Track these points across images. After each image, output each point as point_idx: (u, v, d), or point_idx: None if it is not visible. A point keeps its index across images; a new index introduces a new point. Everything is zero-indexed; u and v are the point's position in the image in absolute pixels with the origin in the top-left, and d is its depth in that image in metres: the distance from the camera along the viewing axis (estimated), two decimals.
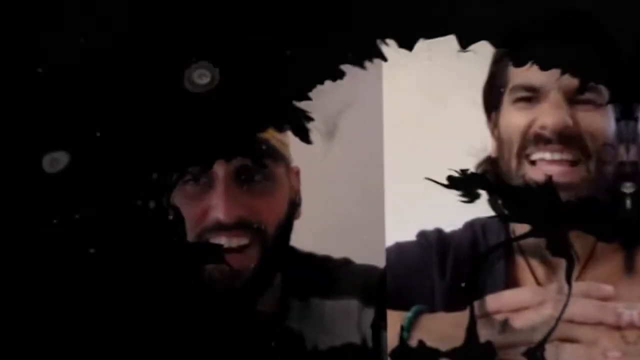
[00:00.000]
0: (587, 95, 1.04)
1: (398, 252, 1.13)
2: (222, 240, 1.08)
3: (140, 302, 1.05)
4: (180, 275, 1.06)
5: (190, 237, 1.09)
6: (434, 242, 1.14)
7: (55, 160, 1.05)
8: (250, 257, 1.09)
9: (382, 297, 1.09)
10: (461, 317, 1.04)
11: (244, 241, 1.09)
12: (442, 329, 1.04)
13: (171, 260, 1.05)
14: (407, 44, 1.06)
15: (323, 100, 1.09)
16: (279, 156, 1.11)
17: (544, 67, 1.03)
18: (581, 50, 1.01)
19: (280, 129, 1.10)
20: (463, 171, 1.06)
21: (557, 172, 1.04)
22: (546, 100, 1.05)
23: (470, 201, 1.06)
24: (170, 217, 1.08)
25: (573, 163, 1.05)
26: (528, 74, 1.06)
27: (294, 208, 1.12)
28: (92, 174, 1.06)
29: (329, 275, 1.12)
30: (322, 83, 1.08)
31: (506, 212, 1.03)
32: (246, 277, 1.09)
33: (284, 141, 1.12)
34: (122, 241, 1.06)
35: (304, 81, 1.07)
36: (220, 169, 1.08)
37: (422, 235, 1.14)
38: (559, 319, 0.99)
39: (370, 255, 1.10)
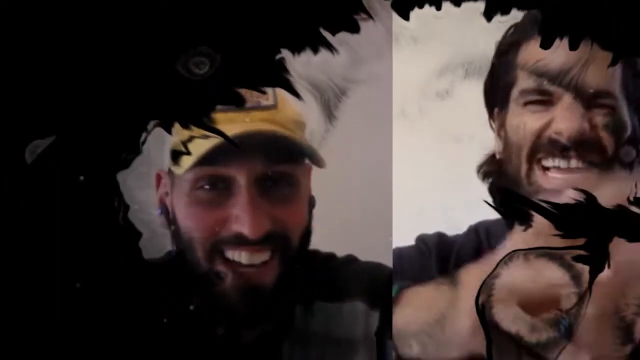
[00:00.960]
0: (603, 101, 0.99)
1: (396, 258, 1.05)
2: (243, 256, 1.00)
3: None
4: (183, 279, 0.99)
5: (201, 247, 1.00)
6: (433, 247, 1.07)
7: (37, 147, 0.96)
8: (271, 272, 1.01)
9: (389, 300, 1.03)
10: (444, 289, 1.00)
11: (265, 256, 1.00)
12: (426, 301, 1.00)
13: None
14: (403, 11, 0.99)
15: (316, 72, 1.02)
16: (301, 157, 1.02)
17: (573, 43, 0.96)
18: (611, 23, 0.96)
19: (260, 89, 1.00)
20: (506, 190, 1.01)
21: (572, 181, 0.99)
22: (560, 104, 0.99)
23: (526, 229, 1.01)
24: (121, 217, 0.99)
25: (589, 170, 1.00)
26: (539, 77, 1.00)
27: (311, 211, 1.04)
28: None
29: (333, 273, 1.05)
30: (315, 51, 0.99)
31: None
32: (266, 293, 1.01)
33: (305, 138, 1.04)
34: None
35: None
36: (241, 176, 0.99)
37: (421, 239, 1.08)
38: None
39: (377, 255, 1.04)
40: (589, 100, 0.98)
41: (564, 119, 0.98)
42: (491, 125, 1.05)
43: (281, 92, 1.01)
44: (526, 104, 1.01)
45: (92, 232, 0.96)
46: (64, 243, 0.95)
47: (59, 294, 0.95)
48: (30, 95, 0.95)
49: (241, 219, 0.98)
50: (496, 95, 1.04)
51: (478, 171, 1.05)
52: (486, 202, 1.01)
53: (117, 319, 0.95)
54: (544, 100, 1.00)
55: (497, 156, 1.04)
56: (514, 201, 1.00)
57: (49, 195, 0.95)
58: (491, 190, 1.04)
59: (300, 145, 1.01)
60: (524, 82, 1.01)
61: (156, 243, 1.01)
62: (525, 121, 1.01)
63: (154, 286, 0.98)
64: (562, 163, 0.99)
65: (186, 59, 0.96)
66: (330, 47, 0.99)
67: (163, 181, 1.03)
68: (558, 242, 0.98)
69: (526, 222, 1.00)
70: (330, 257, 1.05)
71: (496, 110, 1.04)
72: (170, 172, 1.01)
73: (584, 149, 0.98)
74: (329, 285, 1.04)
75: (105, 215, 0.98)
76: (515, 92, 1.02)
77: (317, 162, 1.02)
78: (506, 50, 1.03)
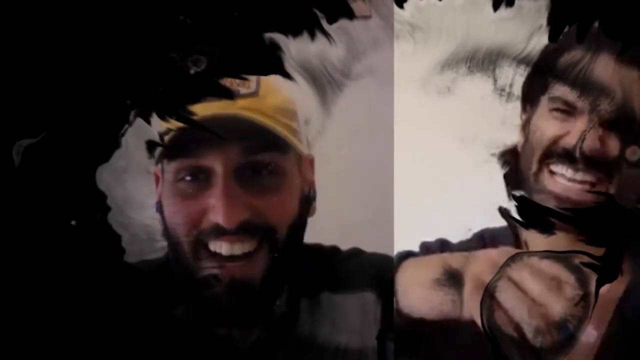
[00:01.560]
0: (622, 122, 1.02)
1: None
2: (223, 247, 0.96)
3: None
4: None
5: (185, 240, 0.97)
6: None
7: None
8: (258, 265, 0.97)
9: (390, 295, 0.99)
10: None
11: (249, 247, 0.96)
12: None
13: None
14: None
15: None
16: (286, 146, 0.99)
17: (580, 34, 0.99)
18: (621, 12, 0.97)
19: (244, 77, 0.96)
20: (523, 199, 1.03)
21: (574, 190, 1.02)
22: (581, 119, 1.02)
23: (548, 236, 1.02)
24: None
25: (592, 185, 1.02)
26: (567, 90, 1.03)
27: (307, 204, 1.01)
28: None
29: (338, 266, 1.02)
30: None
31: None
32: (254, 288, 0.97)
33: (293, 127, 1.00)
34: None
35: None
36: (218, 165, 0.95)
37: (424, 247, 1.07)
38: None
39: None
40: (611, 123, 1.00)
41: (580, 133, 1.01)
42: (521, 119, 1.08)
43: (266, 79, 0.98)
44: (552, 110, 1.03)
45: (71, 234, 0.92)
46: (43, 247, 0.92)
47: (51, 297, 0.91)
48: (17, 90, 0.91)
49: (216, 208, 0.95)
50: (532, 93, 1.06)
51: (499, 158, 1.07)
52: (508, 214, 1.03)
53: (109, 323, 0.92)
54: (568, 110, 1.02)
55: (518, 149, 1.07)
56: (533, 210, 1.01)
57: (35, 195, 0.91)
58: (506, 179, 1.05)
59: (277, 134, 0.97)
60: (553, 89, 1.04)
61: (137, 245, 0.97)
62: (548, 126, 1.03)
63: (146, 290, 0.95)
64: (569, 172, 1.01)
65: (184, 55, 0.92)
66: (327, 35, 0.97)
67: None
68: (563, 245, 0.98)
69: (548, 230, 1.01)
70: (334, 250, 1.02)
71: (527, 107, 1.07)
72: (161, 167, 0.98)
73: (591, 165, 1.01)
74: (334, 277, 1.01)
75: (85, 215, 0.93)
76: (545, 97, 1.04)
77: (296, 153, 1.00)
78: (549, 56, 1.04)
